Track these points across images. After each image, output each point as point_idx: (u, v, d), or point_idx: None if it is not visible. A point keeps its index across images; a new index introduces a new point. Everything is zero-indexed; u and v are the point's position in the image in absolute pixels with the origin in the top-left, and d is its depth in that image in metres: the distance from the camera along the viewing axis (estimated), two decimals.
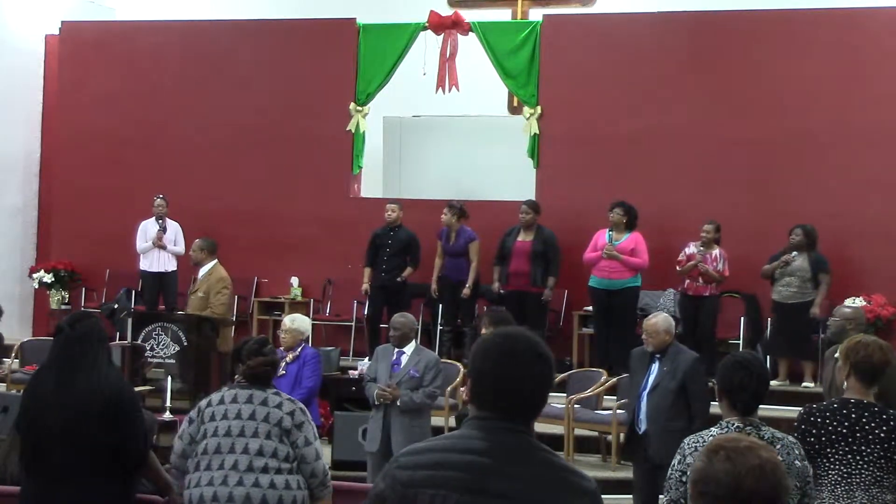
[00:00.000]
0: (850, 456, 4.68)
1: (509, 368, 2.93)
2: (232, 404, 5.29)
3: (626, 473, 9.11)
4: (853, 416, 4.73)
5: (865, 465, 4.66)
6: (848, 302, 11.23)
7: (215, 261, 11.04)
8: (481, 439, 2.91)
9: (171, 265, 13.12)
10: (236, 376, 5.45)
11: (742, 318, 12.05)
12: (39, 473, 5.09)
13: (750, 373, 4.43)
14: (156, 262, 13.11)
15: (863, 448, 4.67)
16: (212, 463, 5.20)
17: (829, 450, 4.71)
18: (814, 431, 4.75)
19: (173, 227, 13.25)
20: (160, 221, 13.21)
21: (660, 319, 7.84)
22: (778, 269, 11.39)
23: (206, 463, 5.21)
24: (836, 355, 7.65)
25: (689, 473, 2.78)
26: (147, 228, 13.23)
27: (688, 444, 4.39)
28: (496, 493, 2.84)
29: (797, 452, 4.31)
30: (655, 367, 7.74)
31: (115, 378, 5.21)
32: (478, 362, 2.98)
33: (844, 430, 4.71)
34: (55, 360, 5.23)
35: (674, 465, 4.37)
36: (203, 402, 5.39)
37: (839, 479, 4.70)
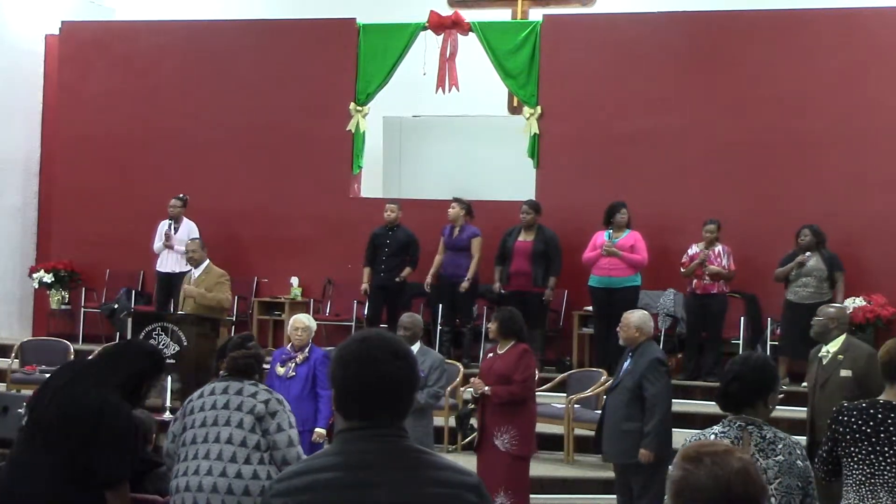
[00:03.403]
0: (872, 456, 4.67)
1: (369, 373, 2.84)
2: (210, 396, 5.41)
3: None
4: (879, 416, 4.72)
5: (888, 467, 4.65)
6: (848, 302, 11.25)
7: (208, 259, 11.12)
8: (353, 452, 2.83)
9: (179, 266, 13.05)
10: (221, 372, 5.52)
11: (742, 318, 12.05)
12: (14, 466, 5.04)
13: (738, 372, 4.42)
14: (165, 262, 13.08)
15: (885, 449, 4.66)
16: (188, 453, 5.31)
17: (853, 449, 4.70)
18: (840, 430, 4.75)
19: (187, 228, 13.16)
20: (171, 221, 13.15)
21: (635, 315, 7.81)
22: (793, 270, 11.35)
23: (184, 454, 5.33)
24: (820, 355, 7.73)
25: (669, 483, 2.75)
26: (162, 229, 13.20)
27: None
28: None
29: (798, 452, 4.31)
30: (626, 364, 7.78)
31: (107, 398, 4.87)
32: (337, 371, 2.88)
33: (868, 430, 4.70)
34: (80, 361, 5.29)
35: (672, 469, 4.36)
36: (186, 400, 5.51)
37: (863, 479, 4.69)
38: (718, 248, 11.71)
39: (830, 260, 11.35)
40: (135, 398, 5.03)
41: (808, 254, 11.34)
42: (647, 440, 7.54)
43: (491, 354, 8.24)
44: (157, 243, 13.18)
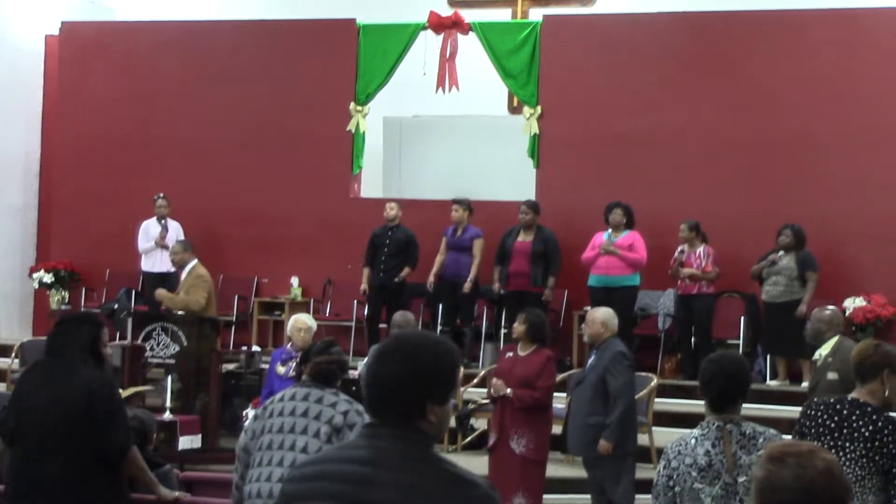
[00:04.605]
0: (833, 451, 4.69)
1: (376, 370, 2.89)
2: (290, 401, 5.31)
3: None
4: (844, 412, 4.75)
5: (848, 463, 4.67)
6: (848, 302, 11.27)
7: (195, 260, 10.98)
8: (363, 447, 2.87)
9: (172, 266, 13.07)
10: (303, 377, 5.49)
11: (742, 318, 12.06)
12: (18, 473, 5.06)
13: (719, 369, 4.43)
14: (158, 262, 13.08)
15: (847, 445, 4.69)
16: (263, 459, 5.23)
17: (816, 443, 4.72)
18: (807, 423, 4.80)
19: (175, 227, 13.23)
20: (162, 221, 13.19)
21: (599, 312, 7.88)
22: (765, 269, 11.41)
23: (259, 458, 5.25)
24: (814, 358, 7.76)
25: (754, 483, 2.77)
26: (149, 228, 13.21)
27: (671, 449, 4.38)
28: (371, 503, 2.79)
29: None
30: (591, 360, 7.80)
31: (90, 375, 5.12)
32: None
33: (833, 425, 4.74)
34: (40, 361, 5.36)
35: (659, 472, 4.37)
36: (268, 399, 5.46)
37: None
38: (700, 249, 11.72)
39: (803, 260, 11.34)
40: (100, 361, 5.28)
41: (780, 253, 11.37)
42: (606, 431, 7.57)
43: (510, 354, 8.18)
44: (147, 244, 13.17)
